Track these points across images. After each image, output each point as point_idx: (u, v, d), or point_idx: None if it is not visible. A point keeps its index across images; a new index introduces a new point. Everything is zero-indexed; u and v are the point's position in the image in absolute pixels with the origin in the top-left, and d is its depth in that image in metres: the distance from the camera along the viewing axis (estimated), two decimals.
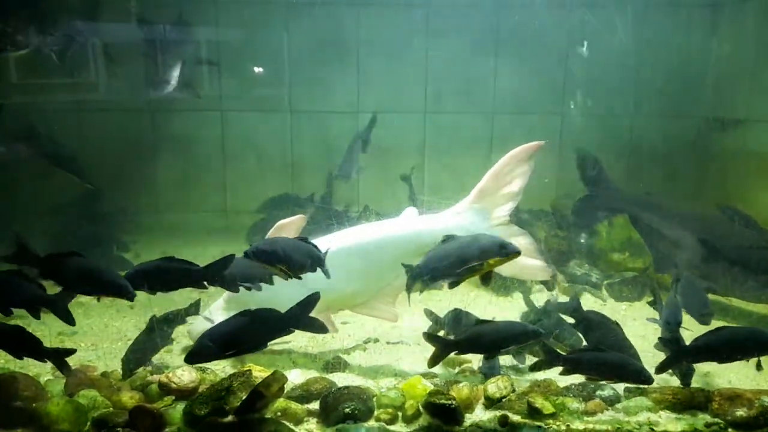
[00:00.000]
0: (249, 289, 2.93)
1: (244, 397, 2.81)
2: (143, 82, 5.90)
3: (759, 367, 3.27)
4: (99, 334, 4.15)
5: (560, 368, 2.95)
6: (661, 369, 3.00)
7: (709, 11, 6.29)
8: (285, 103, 6.53)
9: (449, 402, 2.84)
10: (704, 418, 2.94)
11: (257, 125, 6.59)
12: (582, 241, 5.53)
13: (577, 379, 3.06)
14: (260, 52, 6.47)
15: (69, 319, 2.79)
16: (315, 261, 2.85)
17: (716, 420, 2.91)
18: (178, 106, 6.28)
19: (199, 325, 3.62)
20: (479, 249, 2.76)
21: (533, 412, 2.90)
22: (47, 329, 3.68)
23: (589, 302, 4.96)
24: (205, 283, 2.78)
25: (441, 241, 2.90)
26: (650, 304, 3.80)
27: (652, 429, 2.85)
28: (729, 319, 4.54)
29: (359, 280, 3.65)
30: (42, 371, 3.32)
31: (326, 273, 2.89)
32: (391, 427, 2.87)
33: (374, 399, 2.97)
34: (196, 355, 2.64)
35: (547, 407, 2.90)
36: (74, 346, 3.78)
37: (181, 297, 3.52)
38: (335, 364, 3.54)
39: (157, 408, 2.82)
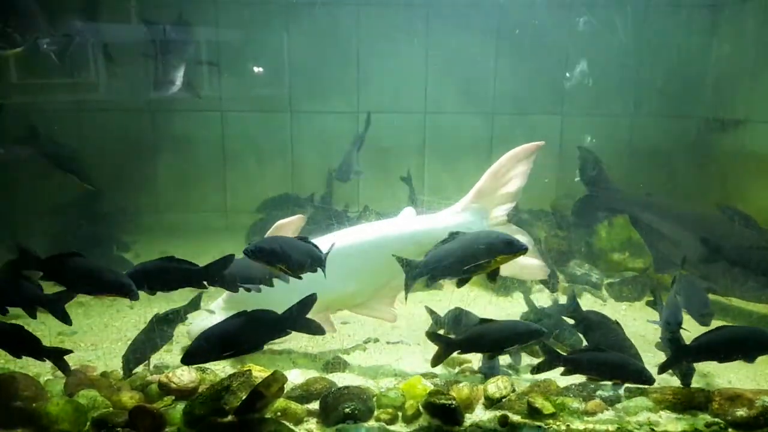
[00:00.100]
0: (249, 290, 2.93)
1: (244, 397, 2.80)
2: (144, 82, 5.91)
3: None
4: (99, 334, 4.15)
5: (560, 368, 2.94)
6: (662, 369, 3.00)
7: (709, 11, 6.29)
8: (285, 103, 6.53)
9: (449, 402, 2.83)
10: (704, 418, 2.94)
11: (257, 125, 6.59)
12: (582, 240, 5.53)
13: (577, 379, 3.06)
14: (260, 52, 6.46)
15: (66, 319, 2.80)
16: (315, 260, 2.85)
17: (716, 420, 2.91)
18: (179, 106, 6.28)
19: (197, 325, 3.62)
20: (486, 246, 2.74)
21: (533, 412, 2.90)
22: (47, 329, 3.68)
23: (589, 302, 4.96)
24: (205, 283, 2.78)
25: (446, 239, 2.87)
26: (650, 304, 3.79)
27: (653, 429, 2.85)
28: (729, 319, 4.54)
29: (358, 280, 3.65)
30: (42, 371, 3.32)
31: (324, 272, 2.88)
32: (391, 427, 2.87)
33: (374, 399, 2.97)
34: (192, 356, 2.63)
35: (547, 407, 2.90)
36: (74, 346, 3.81)
37: (181, 297, 3.53)
38: (335, 364, 3.54)
39: (157, 408, 2.82)
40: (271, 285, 3.00)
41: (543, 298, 4.78)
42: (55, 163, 5.19)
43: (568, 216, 5.56)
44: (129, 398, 2.95)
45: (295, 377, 3.20)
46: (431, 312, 3.83)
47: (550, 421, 2.87)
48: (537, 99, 6.53)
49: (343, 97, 6.50)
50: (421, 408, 2.91)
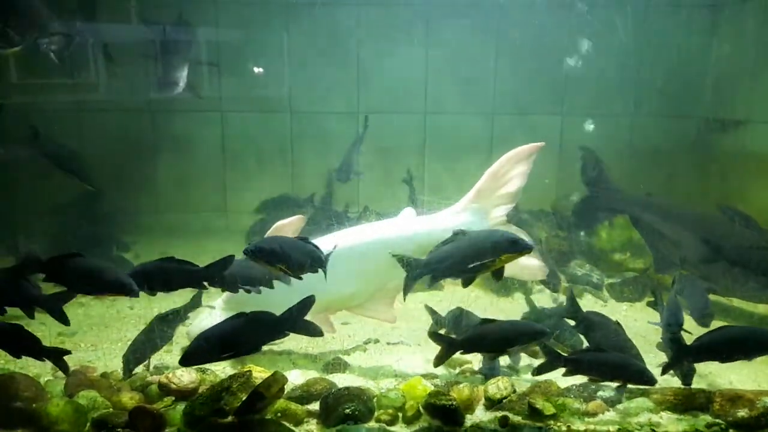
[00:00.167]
0: (249, 291, 2.93)
1: (244, 398, 2.80)
2: (144, 82, 5.90)
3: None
4: (99, 335, 4.14)
5: (561, 369, 2.93)
6: (665, 370, 3.00)
7: (709, 11, 6.29)
8: (285, 103, 6.52)
9: (450, 403, 2.83)
10: (705, 418, 2.93)
11: (257, 125, 6.59)
12: (583, 240, 5.53)
13: (578, 379, 3.05)
14: (260, 52, 6.46)
15: (63, 319, 2.79)
16: (315, 261, 2.84)
17: (717, 421, 2.91)
18: (179, 106, 6.27)
19: (196, 326, 3.61)
20: (492, 245, 2.72)
21: (534, 413, 2.89)
22: (47, 330, 3.68)
23: (590, 303, 4.96)
24: (205, 283, 2.78)
25: (449, 238, 2.86)
26: (651, 305, 3.79)
27: (654, 430, 2.84)
28: (730, 319, 4.54)
29: (357, 281, 3.64)
30: (42, 372, 3.32)
31: (325, 273, 2.87)
32: (392, 428, 2.86)
33: (374, 400, 2.97)
34: (190, 357, 2.62)
35: (548, 408, 2.89)
36: (74, 346, 3.81)
37: (181, 298, 3.53)
38: (335, 364, 3.53)
39: (157, 409, 2.82)
40: (271, 287, 2.99)
41: (544, 299, 4.78)
42: (55, 163, 5.19)
43: (568, 216, 5.55)
44: (129, 399, 2.94)
45: (296, 378, 3.20)
46: (432, 312, 3.83)
47: (551, 422, 2.87)
48: (537, 99, 6.52)
49: (343, 97, 6.49)
50: (421, 409, 2.91)
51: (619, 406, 3.00)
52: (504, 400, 2.99)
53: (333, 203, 6.10)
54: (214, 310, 3.72)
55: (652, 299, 3.72)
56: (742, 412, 2.90)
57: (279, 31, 6.35)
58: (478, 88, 6.54)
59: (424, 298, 4.42)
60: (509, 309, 4.74)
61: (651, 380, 2.84)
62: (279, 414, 2.86)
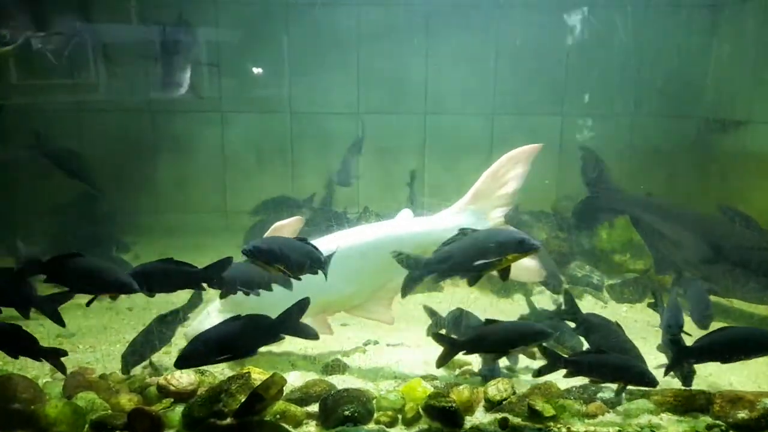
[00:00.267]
0: (247, 294, 2.92)
1: (243, 400, 2.79)
2: (144, 83, 5.90)
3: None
4: (97, 336, 4.13)
5: (561, 371, 2.92)
6: (667, 371, 2.99)
7: (709, 11, 6.28)
8: (285, 103, 6.52)
9: (449, 404, 2.82)
10: (705, 420, 2.92)
11: (257, 126, 6.58)
12: (583, 241, 5.52)
13: (578, 381, 3.04)
14: (260, 52, 6.46)
15: (59, 320, 2.78)
16: (314, 262, 2.82)
17: (717, 422, 2.90)
18: (179, 106, 6.27)
19: (193, 328, 3.60)
20: (498, 244, 2.69)
21: (534, 415, 2.88)
22: (45, 331, 3.67)
23: (590, 304, 4.95)
24: (204, 284, 2.77)
25: (454, 236, 2.84)
26: (651, 306, 3.78)
27: (653, 431, 2.83)
28: (730, 320, 4.53)
29: (356, 282, 3.63)
30: (40, 373, 3.31)
31: (325, 274, 2.86)
32: (391, 430, 2.85)
33: (374, 401, 2.96)
34: (186, 360, 2.62)
35: (548, 410, 2.88)
36: (73, 347, 3.81)
37: (180, 299, 3.52)
38: (334, 366, 3.52)
39: (155, 410, 2.81)
40: (270, 289, 2.98)
41: (544, 300, 4.78)
42: (56, 163, 5.20)
43: (568, 217, 5.55)
44: (127, 400, 2.94)
45: (295, 380, 3.19)
46: (431, 313, 3.82)
47: (551, 423, 2.86)
48: (537, 99, 6.51)
49: (343, 97, 6.49)
50: (421, 410, 2.90)
51: (620, 408, 2.99)
52: (504, 402, 2.98)
53: (333, 204, 6.10)
54: (209, 312, 3.71)
55: (653, 300, 3.72)
56: (743, 414, 2.89)
57: (279, 31, 6.35)
58: (478, 89, 6.54)
59: (423, 300, 4.42)
60: (509, 310, 4.73)
61: (653, 382, 2.83)
62: (278, 416, 2.85)
